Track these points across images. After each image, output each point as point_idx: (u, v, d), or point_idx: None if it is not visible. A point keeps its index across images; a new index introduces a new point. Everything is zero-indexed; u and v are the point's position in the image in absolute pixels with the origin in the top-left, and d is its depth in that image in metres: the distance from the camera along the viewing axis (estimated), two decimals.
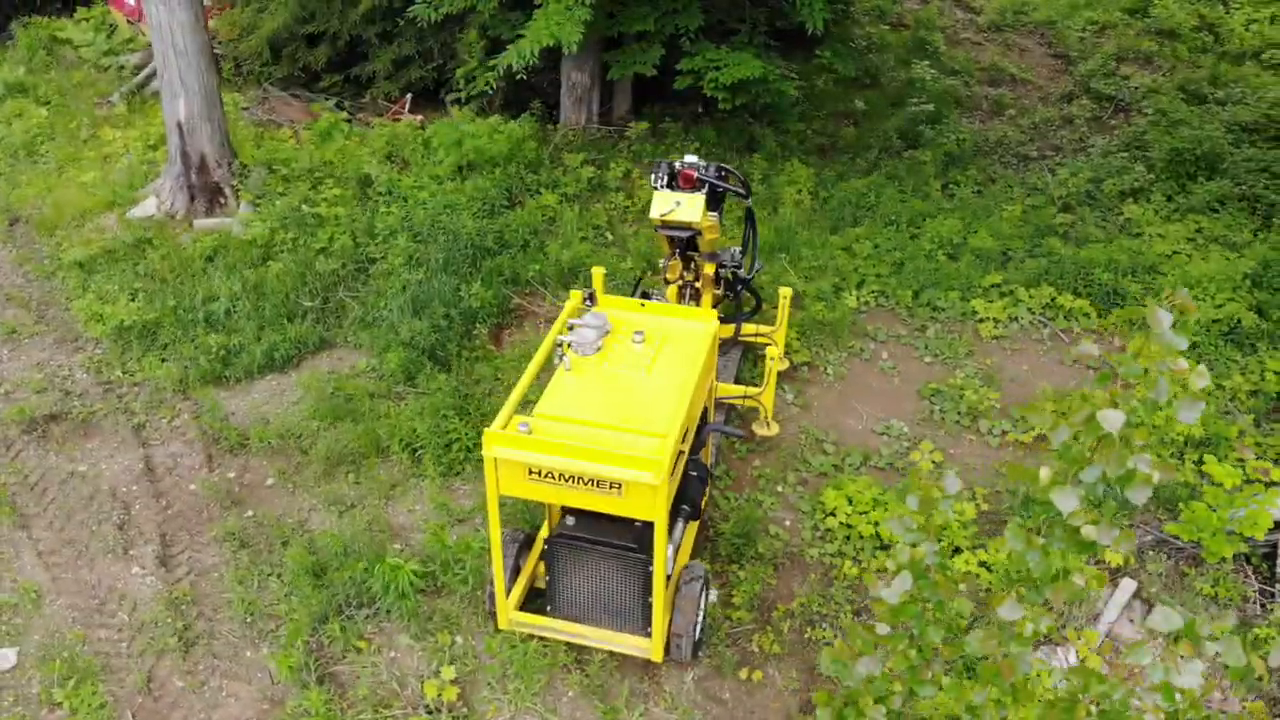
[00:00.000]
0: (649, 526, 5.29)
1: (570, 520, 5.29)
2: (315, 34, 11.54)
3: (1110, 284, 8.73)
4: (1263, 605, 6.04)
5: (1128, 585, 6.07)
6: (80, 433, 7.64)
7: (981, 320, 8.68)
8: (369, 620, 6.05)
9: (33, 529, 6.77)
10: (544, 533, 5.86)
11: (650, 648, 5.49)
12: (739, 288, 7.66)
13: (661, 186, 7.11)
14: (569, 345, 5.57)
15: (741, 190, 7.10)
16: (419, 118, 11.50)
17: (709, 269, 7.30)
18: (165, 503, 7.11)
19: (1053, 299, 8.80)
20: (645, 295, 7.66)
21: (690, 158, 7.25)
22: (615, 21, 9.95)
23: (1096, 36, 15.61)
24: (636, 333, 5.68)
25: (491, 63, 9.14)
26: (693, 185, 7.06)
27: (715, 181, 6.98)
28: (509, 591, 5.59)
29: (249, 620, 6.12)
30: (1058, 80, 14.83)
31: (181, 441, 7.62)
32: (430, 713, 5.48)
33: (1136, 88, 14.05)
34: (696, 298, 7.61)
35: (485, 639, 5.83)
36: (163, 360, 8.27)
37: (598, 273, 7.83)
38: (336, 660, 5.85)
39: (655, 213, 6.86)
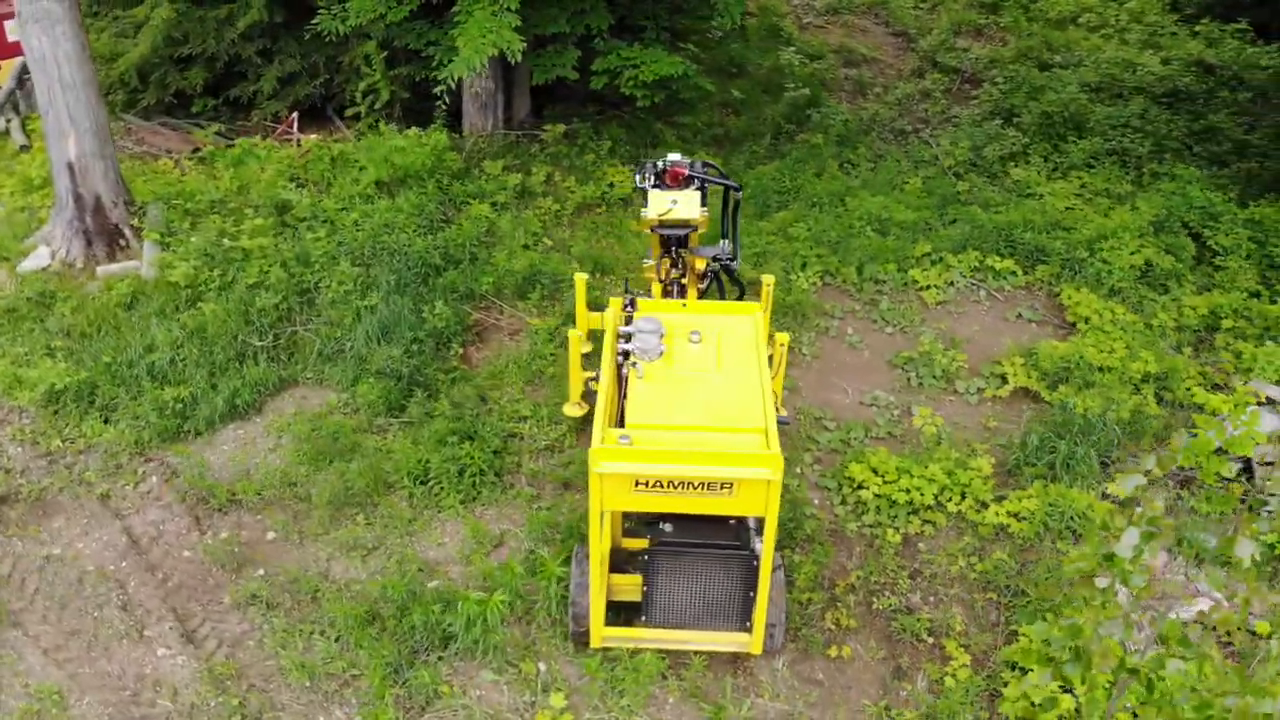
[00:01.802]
0: (743, 523, 5.36)
1: (668, 527, 5.27)
2: (187, 56, 10.75)
3: (1031, 242, 9.43)
4: (1249, 507, 6.72)
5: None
6: (39, 512, 6.91)
7: (923, 288, 9.19)
8: (442, 662, 5.80)
9: (26, 625, 6.08)
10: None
11: (750, 642, 5.56)
12: (721, 278, 7.76)
13: (650, 186, 7.14)
14: (634, 353, 5.53)
15: (732, 183, 7.21)
16: (313, 135, 10.94)
17: (700, 264, 7.38)
18: (162, 575, 6.55)
19: (980, 261, 9.42)
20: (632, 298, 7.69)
21: (674, 155, 7.31)
22: (530, 25, 9.81)
23: (929, 14, 16.66)
24: (693, 333, 5.71)
25: (441, 74, 8.77)
26: (681, 182, 7.12)
27: (705, 176, 7.07)
28: None
29: (310, 684, 5.75)
30: (904, 57, 15.74)
31: (158, 507, 7.02)
32: None
33: (976, 59, 15.14)
34: (682, 293, 7.68)
35: (583, 661, 5.72)
36: (106, 421, 7.57)
37: (580, 280, 7.77)
38: (422, 710, 5.59)
39: (653, 212, 6.87)
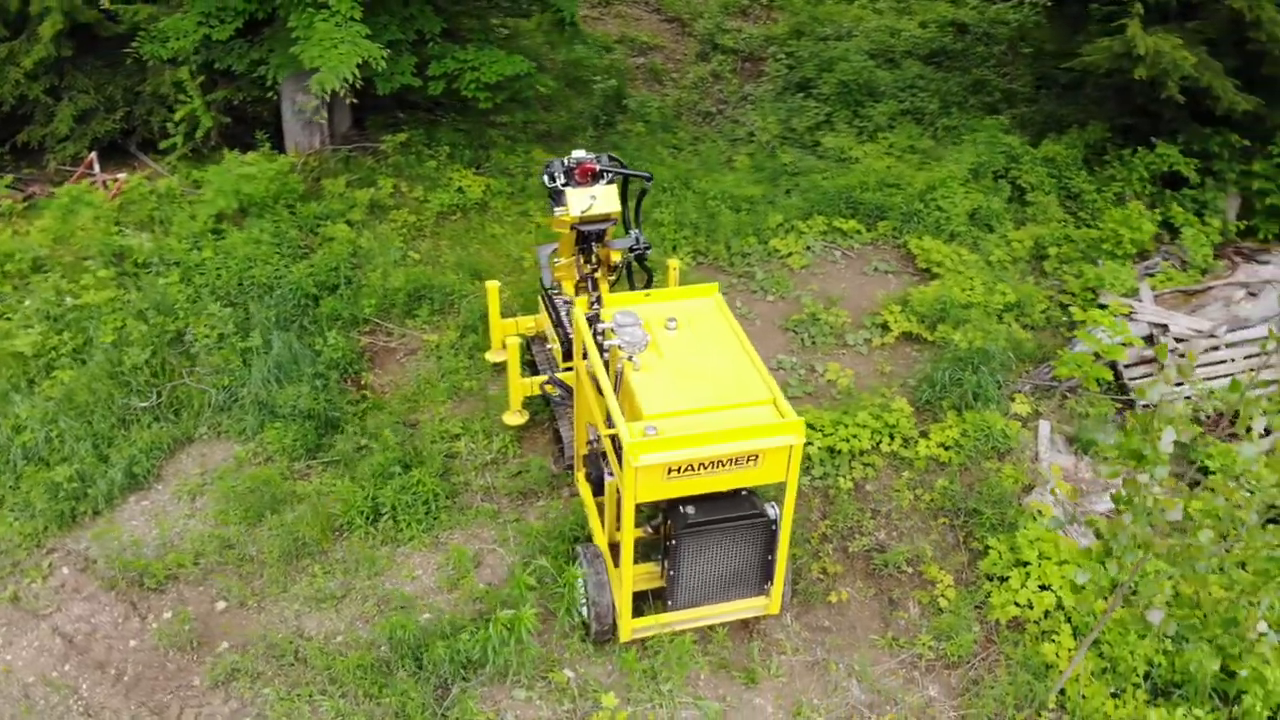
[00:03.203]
0: (751, 492, 5.60)
1: (692, 510, 5.41)
2: None
3: (870, 201, 10.21)
4: (1120, 413, 7.73)
5: (1044, 425, 7.47)
6: None
7: (786, 256, 9.75)
8: (465, 694, 5.64)
9: None
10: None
11: (768, 604, 5.82)
12: (632, 268, 7.90)
13: (562, 185, 7.18)
14: (621, 348, 5.59)
15: (643, 173, 7.37)
16: (121, 175, 10.00)
17: (616, 256, 7.48)
18: (114, 671, 5.94)
19: (829, 225, 10.11)
20: (550, 299, 7.71)
21: (579, 152, 7.37)
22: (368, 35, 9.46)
23: None
24: (670, 320, 5.86)
25: (311, 88, 8.22)
26: (591, 177, 7.21)
27: (615, 170, 7.19)
28: None
29: None
30: (684, 42, 16.38)
31: (81, 600, 6.33)
32: None
33: (750, 38, 16.03)
34: (595, 288, 7.77)
35: (609, 660, 5.76)
36: None
37: (493, 288, 7.73)
38: None
39: (575, 211, 6.92)
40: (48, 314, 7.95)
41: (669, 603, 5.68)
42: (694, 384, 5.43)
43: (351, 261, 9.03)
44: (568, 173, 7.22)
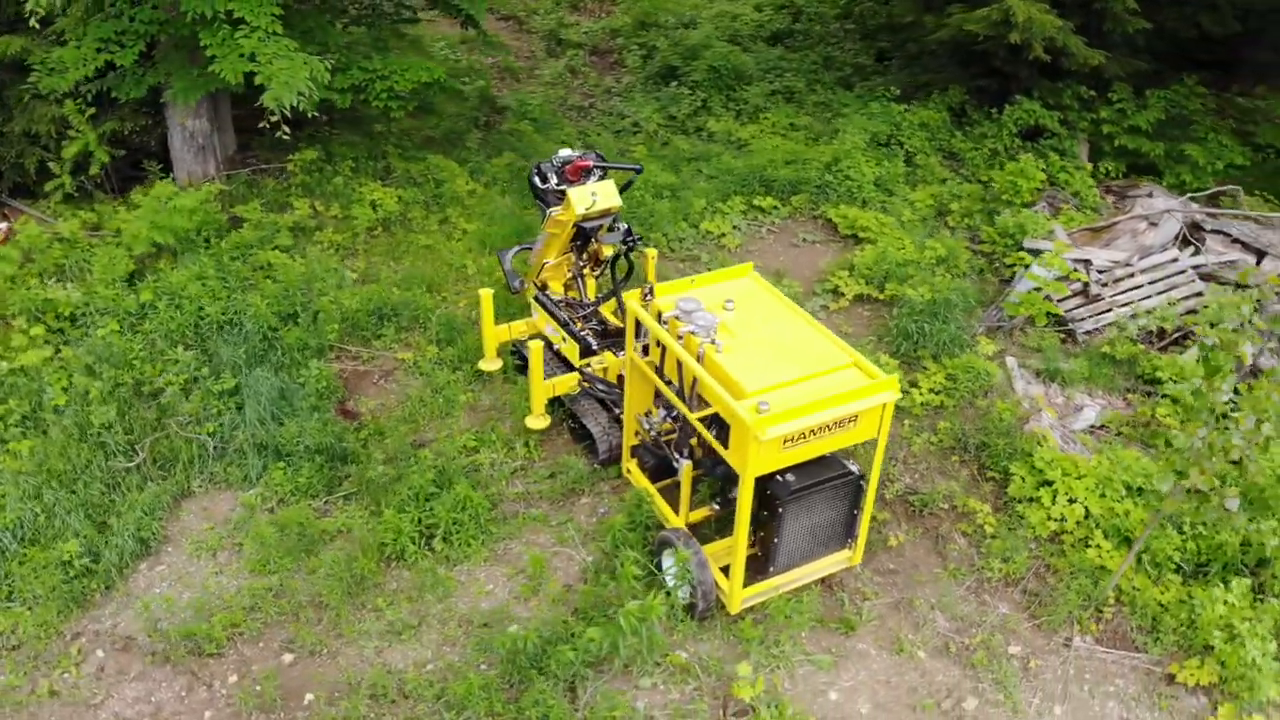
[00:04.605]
0: (835, 454, 5.92)
1: (792, 477, 5.65)
2: None
3: (783, 178, 10.75)
4: (1064, 342, 8.60)
5: (1011, 361, 8.22)
6: None
7: (719, 237, 10.13)
8: (596, 693, 5.66)
9: None
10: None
11: (851, 557, 6.18)
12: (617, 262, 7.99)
13: (557, 185, 7.22)
14: (695, 332, 5.75)
15: (633, 165, 7.50)
16: (2, 225, 9.02)
17: (608, 250, 7.57)
18: None
19: (749, 203, 10.58)
20: (552, 301, 7.70)
21: (564, 151, 7.42)
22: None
23: None
24: (727, 301, 6.07)
25: (265, 102, 7.62)
26: (582, 175, 7.29)
27: (607, 164, 7.30)
28: None
29: None
30: (525, 39, 16.44)
31: (133, 680, 5.82)
32: (749, 713, 5.55)
33: (590, 31, 16.33)
34: (583, 284, 7.84)
35: (719, 635, 5.93)
36: None
37: (486, 296, 7.64)
38: None
39: (580, 208, 6.98)
40: None
41: (770, 568, 5.91)
42: (779, 358, 5.67)
43: (299, 290, 8.60)
44: (558, 172, 7.27)
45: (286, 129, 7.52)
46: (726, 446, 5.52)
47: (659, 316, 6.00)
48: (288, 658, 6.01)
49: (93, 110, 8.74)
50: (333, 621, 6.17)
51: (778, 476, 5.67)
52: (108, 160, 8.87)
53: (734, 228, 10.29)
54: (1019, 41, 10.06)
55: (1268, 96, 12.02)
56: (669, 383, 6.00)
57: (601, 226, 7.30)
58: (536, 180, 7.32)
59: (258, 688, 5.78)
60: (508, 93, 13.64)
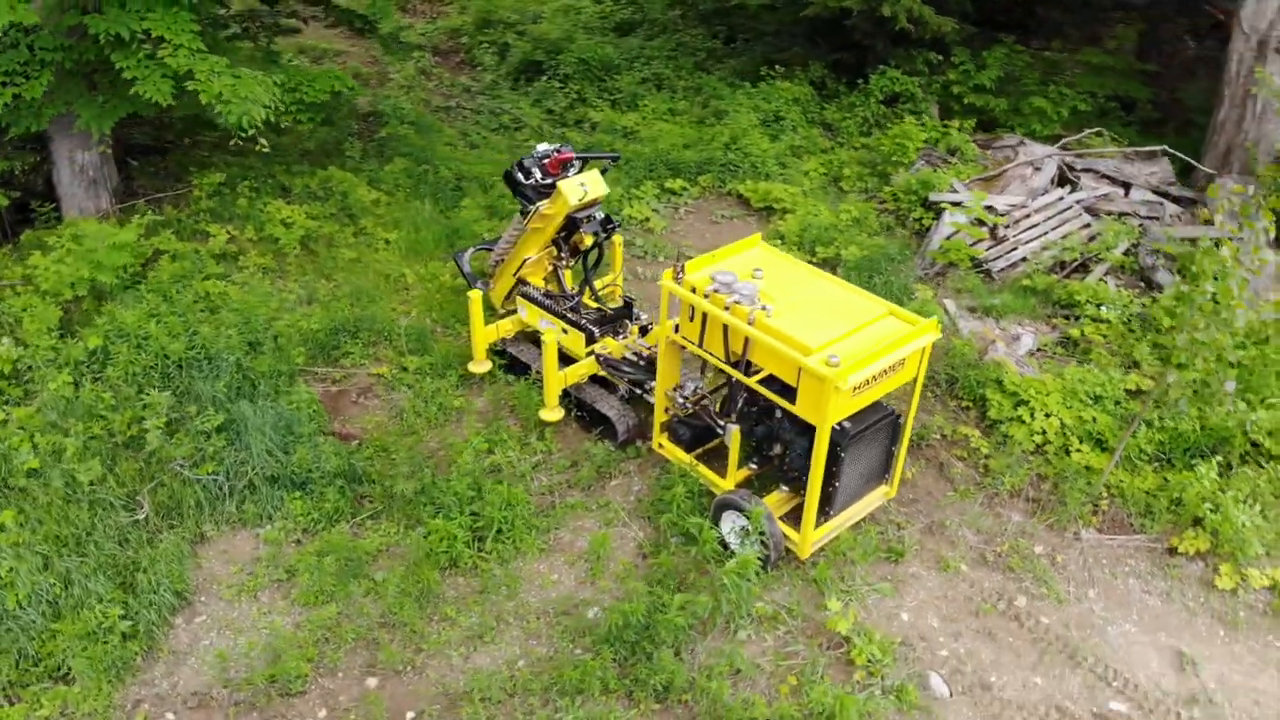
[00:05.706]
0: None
1: (849, 423, 6.07)
2: None
3: (688, 160, 11.15)
4: (985, 281, 9.50)
5: (949, 303, 9.00)
6: None
7: (644, 220, 10.43)
8: (710, 652, 5.87)
9: None
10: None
11: (888, 491, 6.70)
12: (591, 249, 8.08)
13: (542, 179, 7.32)
14: (740, 301, 6.05)
15: (613, 154, 7.67)
16: None
17: (588, 239, 7.70)
18: None
19: (660, 187, 10.93)
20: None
21: (543, 146, 7.52)
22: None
23: None
24: (756, 270, 6.41)
25: (229, 122, 7.07)
26: (563, 168, 7.43)
27: (587, 155, 7.48)
28: None
29: None
30: (363, 44, 16.02)
31: None
32: (845, 645, 5.93)
33: (427, 32, 16.21)
34: (562, 276, 7.94)
35: (798, 577, 6.29)
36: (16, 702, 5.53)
37: (475, 297, 7.64)
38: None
39: (574, 200, 7.11)
40: None
41: (829, 511, 6.31)
42: (825, 316, 6.06)
43: (256, 318, 8.19)
44: (540, 167, 7.36)
45: (264, 142, 7.20)
46: (794, 402, 5.87)
47: (694, 291, 6.26)
48: (372, 681, 5.86)
49: None
50: (408, 638, 6.06)
51: (834, 425, 6.08)
52: (6, 204, 8.09)
53: (654, 211, 10.61)
54: (889, 14, 10.93)
55: (1064, 50, 13.58)
56: (711, 354, 6.28)
57: (589, 216, 7.45)
58: (519, 176, 7.37)
59: (351, 717, 5.62)
60: (366, 100, 13.30)
